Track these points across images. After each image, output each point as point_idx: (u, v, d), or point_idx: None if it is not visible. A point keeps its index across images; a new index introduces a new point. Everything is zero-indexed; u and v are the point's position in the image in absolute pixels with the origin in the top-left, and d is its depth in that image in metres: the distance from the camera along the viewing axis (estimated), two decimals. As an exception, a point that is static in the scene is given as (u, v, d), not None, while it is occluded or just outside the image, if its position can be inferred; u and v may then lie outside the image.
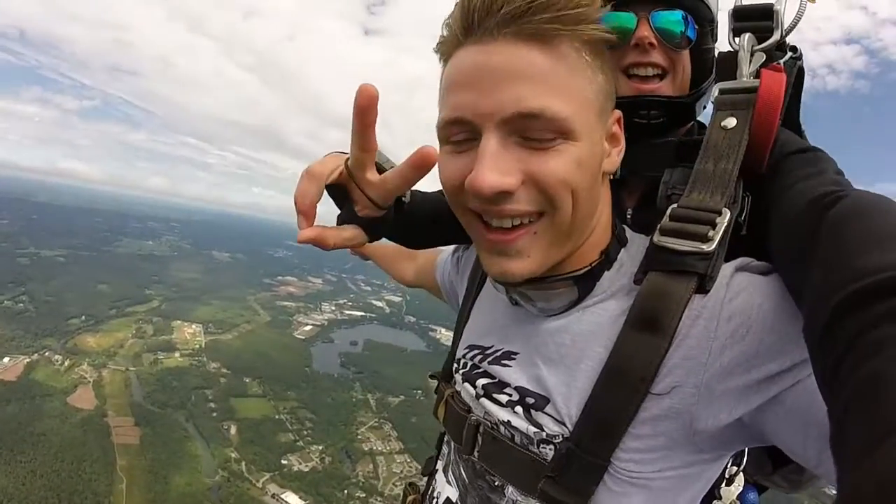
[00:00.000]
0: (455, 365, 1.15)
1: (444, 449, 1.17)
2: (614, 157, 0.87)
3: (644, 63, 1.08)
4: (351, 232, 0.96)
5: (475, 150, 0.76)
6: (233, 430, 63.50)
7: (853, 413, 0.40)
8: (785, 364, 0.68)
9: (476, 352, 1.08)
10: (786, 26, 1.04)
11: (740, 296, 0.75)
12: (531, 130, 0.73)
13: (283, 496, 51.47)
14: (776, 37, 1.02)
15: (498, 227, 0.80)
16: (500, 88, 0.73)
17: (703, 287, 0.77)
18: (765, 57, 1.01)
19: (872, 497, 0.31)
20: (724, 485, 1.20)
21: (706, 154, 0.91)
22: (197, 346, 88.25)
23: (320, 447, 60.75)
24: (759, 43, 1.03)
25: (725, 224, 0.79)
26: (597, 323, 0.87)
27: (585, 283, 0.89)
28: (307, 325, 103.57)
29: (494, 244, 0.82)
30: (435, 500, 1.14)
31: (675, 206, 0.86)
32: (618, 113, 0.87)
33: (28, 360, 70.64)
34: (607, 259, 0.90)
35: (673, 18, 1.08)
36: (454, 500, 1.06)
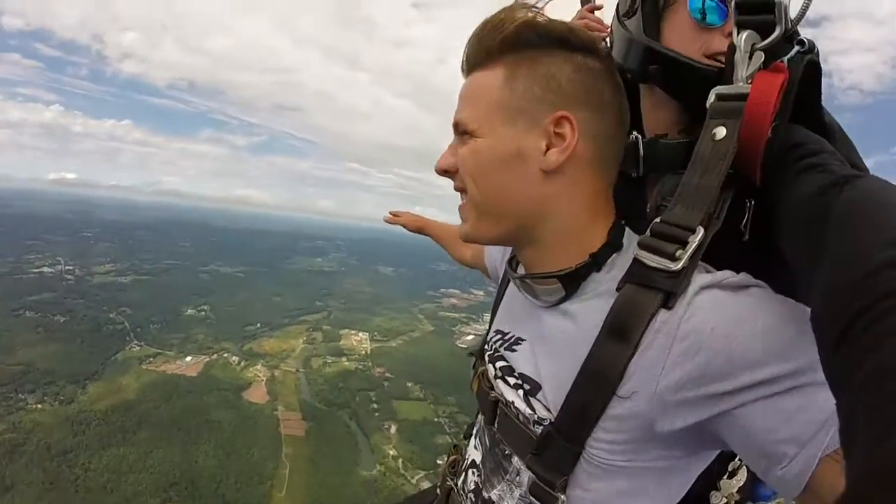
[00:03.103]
0: (486, 346, 1.30)
1: (478, 417, 1.31)
2: (552, 157, 0.96)
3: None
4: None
5: None
6: (393, 429, 65.97)
7: (859, 408, 0.41)
8: (728, 387, 0.75)
9: (498, 336, 1.25)
10: (793, 16, 0.95)
11: (697, 315, 0.81)
12: (460, 132, 1.02)
13: (435, 494, 51.91)
14: (777, 33, 0.94)
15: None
16: (457, 108, 1.05)
17: (667, 303, 0.84)
18: (764, 57, 0.95)
19: (875, 492, 0.33)
20: (725, 477, 1.27)
21: (694, 166, 0.94)
22: (363, 352, 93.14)
23: (477, 450, 60.48)
24: (764, 40, 0.95)
25: (696, 244, 0.85)
26: (582, 323, 0.97)
27: (571, 282, 1.01)
28: (469, 334, 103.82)
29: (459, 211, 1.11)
30: (465, 461, 1.33)
31: (657, 220, 0.92)
32: (558, 114, 0.96)
33: (208, 359, 79.86)
34: (595, 261, 1.00)
35: (694, 6, 1.11)
36: (478, 462, 1.24)
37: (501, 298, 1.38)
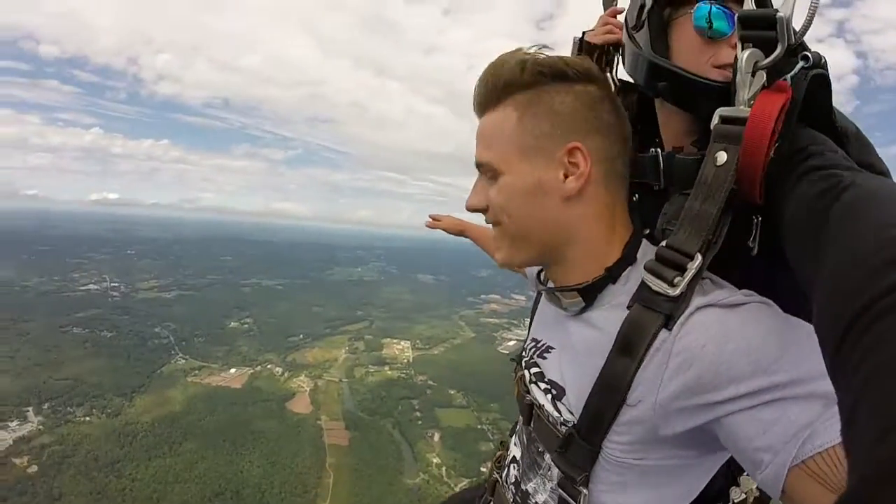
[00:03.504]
0: (523, 353, 1.42)
1: (519, 418, 1.42)
2: (570, 185, 1.07)
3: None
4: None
5: None
6: (436, 437, 65.08)
7: (861, 407, 0.41)
8: (716, 398, 0.83)
9: (533, 344, 1.36)
10: (798, 30, 0.93)
11: (690, 334, 0.90)
12: (484, 172, 1.14)
13: (479, 502, 51.30)
14: (779, 50, 0.93)
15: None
16: (476, 149, 1.15)
17: (667, 324, 0.93)
18: (765, 77, 0.95)
19: (877, 492, 0.33)
20: (744, 474, 1.30)
21: (697, 190, 0.98)
22: (405, 360, 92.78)
23: (521, 457, 59.43)
24: (768, 56, 0.95)
25: (694, 271, 0.92)
26: (600, 334, 1.06)
27: (589, 294, 1.12)
28: (511, 340, 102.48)
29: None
30: (507, 457, 1.47)
31: (662, 244, 0.99)
32: (570, 145, 1.06)
33: (252, 371, 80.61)
34: (610, 275, 1.10)
35: (698, 14, 1.12)
36: (518, 458, 1.37)
37: (537, 307, 1.48)
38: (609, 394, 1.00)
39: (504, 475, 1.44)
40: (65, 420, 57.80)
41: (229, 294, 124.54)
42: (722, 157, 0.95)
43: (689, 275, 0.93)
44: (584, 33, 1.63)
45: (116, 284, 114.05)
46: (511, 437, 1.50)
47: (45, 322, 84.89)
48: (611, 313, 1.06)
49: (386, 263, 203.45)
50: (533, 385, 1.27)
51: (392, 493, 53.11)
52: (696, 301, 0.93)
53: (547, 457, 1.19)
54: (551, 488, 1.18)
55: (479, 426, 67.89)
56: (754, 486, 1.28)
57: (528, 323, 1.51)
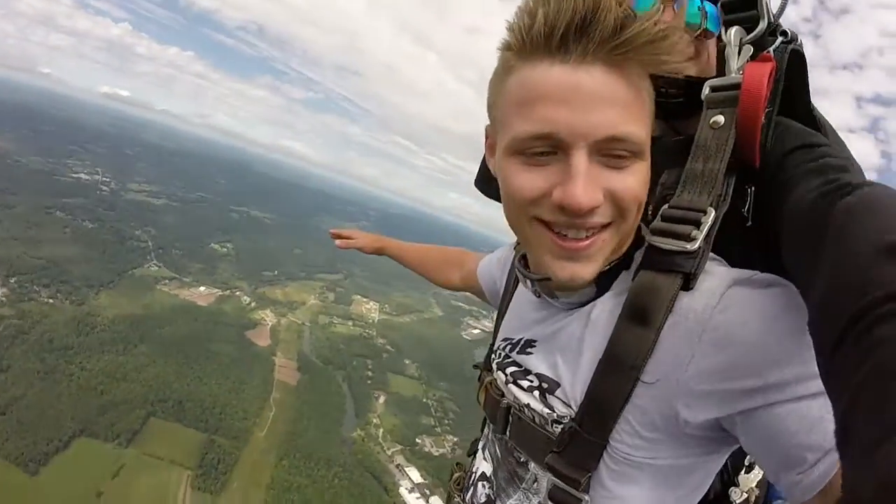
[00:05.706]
0: (492, 355, 1.29)
1: (485, 430, 1.31)
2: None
3: None
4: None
5: (555, 165, 0.84)
6: (381, 399, 67.11)
7: (857, 409, 0.40)
8: (758, 383, 0.73)
9: (507, 343, 1.21)
10: (774, 11, 1.01)
11: (731, 309, 0.80)
12: (613, 150, 0.82)
13: (406, 469, 52.99)
14: (762, 26, 1.00)
15: (573, 237, 0.88)
16: (594, 111, 0.79)
17: (687, 284, 0.84)
18: (752, 49, 1.00)
19: (872, 498, 0.32)
20: (742, 472, 1.25)
21: (696, 153, 0.95)
22: (370, 321, 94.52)
23: (455, 438, 60.51)
24: (749, 34, 1.01)
25: (710, 224, 0.85)
26: (602, 316, 0.96)
27: (604, 282, 0.98)
28: (475, 328, 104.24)
29: (567, 251, 0.89)
30: (473, 475, 1.31)
31: (666, 206, 0.93)
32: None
33: (221, 293, 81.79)
34: (625, 260, 0.99)
35: (692, 10, 1.09)
36: (488, 475, 1.22)
37: (506, 307, 1.35)
38: (619, 371, 0.88)
39: (469, 496, 1.30)
40: (28, 297, 58.54)
41: (217, 215, 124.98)
42: (720, 119, 0.93)
43: (705, 227, 0.85)
44: None
45: (108, 180, 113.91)
46: (471, 455, 1.42)
47: (32, 200, 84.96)
48: (616, 299, 0.96)
49: (375, 225, 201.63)
50: (511, 385, 1.12)
51: (326, 441, 54.56)
52: (731, 275, 0.85)
53: (532, 466, 1.06)
54: (539, 502, 1.04)
55: (424, 400, 69.83)
56: (754, 485, 1.26)
57: (496, 318, 1.44)
